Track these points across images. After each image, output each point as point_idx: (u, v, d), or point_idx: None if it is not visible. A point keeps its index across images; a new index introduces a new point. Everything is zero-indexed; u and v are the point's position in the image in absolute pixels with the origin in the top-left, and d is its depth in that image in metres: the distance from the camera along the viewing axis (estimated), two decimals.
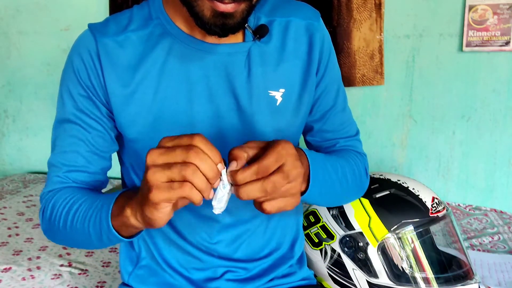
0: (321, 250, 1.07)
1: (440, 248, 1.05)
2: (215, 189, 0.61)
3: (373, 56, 2.01)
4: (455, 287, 0.99)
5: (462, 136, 2.00)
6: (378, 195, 1.03)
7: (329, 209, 1.05)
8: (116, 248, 1.53)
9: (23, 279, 1.32)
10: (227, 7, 0.67)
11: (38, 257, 1.45)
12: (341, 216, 1.03)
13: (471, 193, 2.03)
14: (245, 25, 0.79)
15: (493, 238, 1.61)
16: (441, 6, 1.93)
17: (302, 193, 0.73)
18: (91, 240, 0.77)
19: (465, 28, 1.89)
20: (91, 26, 0.80)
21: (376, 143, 2.11)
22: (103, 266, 1.42)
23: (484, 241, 1.59)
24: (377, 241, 0.99)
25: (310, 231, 1.09)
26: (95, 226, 0.74)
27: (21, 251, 1.50)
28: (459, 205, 1.99)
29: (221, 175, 0.60)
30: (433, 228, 1.02)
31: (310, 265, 1.09)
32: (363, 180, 0.93)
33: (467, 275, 1.02)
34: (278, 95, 0.82)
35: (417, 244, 0.99)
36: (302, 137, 0.96)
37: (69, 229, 0.78)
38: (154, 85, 0.78)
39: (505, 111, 1.93)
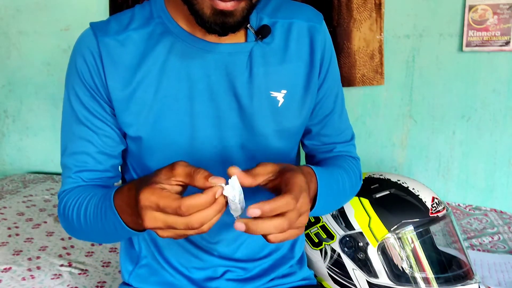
0: (321, 250, 1.07)
1: (440, 248, 1.05)
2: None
3: (373, 56, 2.01)
4: (455, 287, 0.99)
5: (462, 136, 2.00)
6: (378, 195, 1.03)
7: None
8: (116, 248, 1.53)
9: (23, 279, 1.32)
10: (227, 5, 0.67)
11: (38, 257, 1.45)
12: (341, 216, 1.03)
13: (471, 193, 2.03)
14: (248, 25, 0.79)
15: (493, 238, 1.61)
16: (441, 6, 1.93)
17: None
18: (107, 235, 0.79)
19: (465, 28, 1.89)
20: (93, 25, 0.80)
21: (376, 143, 2.11)
22: (103, 266, 1.42)
23: (484, 241, 1.60)
24: (377, 241, 0.99)
25: (310, 231, 1.09)
26: (108, 221, 0.75)
27: (21, 251, 1.50)
28: (459, 205, 1.99)
29: (225, 192, 0.60)
30: (433, 228, 1.02)
31: (310, 265, 1.09)
32: (358, 185, 0.94)
33: (467, 275, 1.02)
34: (279, 96, 0.82)
35: (417, 244, 0.99)
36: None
37: (84, 226, 0.79)
38: (155, 83, 0.78)
39: (505, 111, 1.93)
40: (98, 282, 1.32)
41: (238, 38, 0.80)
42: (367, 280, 1.01)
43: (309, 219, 1.10)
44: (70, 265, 1.41)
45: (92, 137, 0.81)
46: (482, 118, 1.96)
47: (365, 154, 2.10)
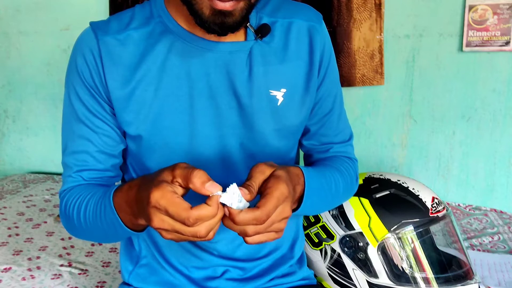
0: (321, 250, 1.07)
1: (440, 248, 1.05)
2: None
3: (373, 56, 2.01)
4: (455, 287, 0.99)
5: (462, 136, 2.00)
6: (378, 195, 1.03)
7: None
8: (116, 248, 1.53)
9: (23, 279, 1.32)
10: (226, 5, 0.67)
11: (38, 257, 1.45)
12: (341, 216, 1.03)
13: (471, 193, 2.03)
14: (247, 24, 0.79)
15: (493, 238, 1.61)
16: (441, 6, 1.93)
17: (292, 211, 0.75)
18: (106, 234, 0.79)
19: (465, 28, 1.89)
20: (93, 24, 0.81)
21: (376, 143, 2.11)
22: (103, 266, 1.42)
23: (484, 241, 1.59)
24: (377, 241, 0.99)
25: (310, 231, 1.09)
26: (107, 220, 0.75)
27: (21, 251, 1.50)
28: (459, 205, 1.99)
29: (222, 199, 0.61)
30: (433, 228, 1.02)
31: (310, 265, 1.09)
32: (354, 186, 0.94)
33: (467, 275, 1.02)
34: (279, 95, 0.82)
35: (417, 244, 0.99)
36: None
37: (84, 225, 0.80)
38: (155, 82, 0.78)
39: (505, 111, 1.93)
40: (98, 282, 1.32)
41: (238, 37, 0.80)
42: (367, 280, 1.01)
43: (309, 219, 1.10)
44: (70, 265, 1.41)
45: (91, 136, 0.81)
46: (482, 118, 1.96)
47: (365, 154, 2.10)
